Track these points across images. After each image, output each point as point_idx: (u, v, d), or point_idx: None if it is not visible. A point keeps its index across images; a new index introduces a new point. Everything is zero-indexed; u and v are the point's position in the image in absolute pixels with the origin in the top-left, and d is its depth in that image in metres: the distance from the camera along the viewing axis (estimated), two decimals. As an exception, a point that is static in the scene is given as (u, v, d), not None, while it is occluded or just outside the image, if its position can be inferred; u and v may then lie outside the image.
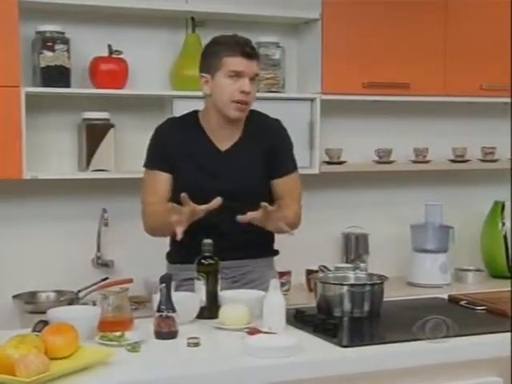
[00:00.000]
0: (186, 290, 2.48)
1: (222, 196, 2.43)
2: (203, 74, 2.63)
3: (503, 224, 3.91)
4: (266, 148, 2.65)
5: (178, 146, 2.64)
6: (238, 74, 2.55)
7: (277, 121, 2.75)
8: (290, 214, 2.57)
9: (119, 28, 3.43)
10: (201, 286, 2.40)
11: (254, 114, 2.69)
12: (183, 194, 2.38)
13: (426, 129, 3.98)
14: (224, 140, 2.65)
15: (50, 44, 3.21)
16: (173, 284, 2.27)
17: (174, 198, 2.52)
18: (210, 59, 2.60)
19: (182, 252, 2.65)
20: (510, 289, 2.83)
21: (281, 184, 2.67)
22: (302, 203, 2.72)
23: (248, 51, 2.55)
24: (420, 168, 3.90)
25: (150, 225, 2.65)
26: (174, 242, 2.68)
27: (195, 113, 2.72)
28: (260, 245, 2.70)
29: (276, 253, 2.80)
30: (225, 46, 2.58)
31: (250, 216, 2.44)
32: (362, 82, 3.56)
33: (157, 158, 2.67)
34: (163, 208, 2.51)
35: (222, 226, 2.56)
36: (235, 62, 2.54)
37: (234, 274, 2.65)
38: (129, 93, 3.38)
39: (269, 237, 2.72)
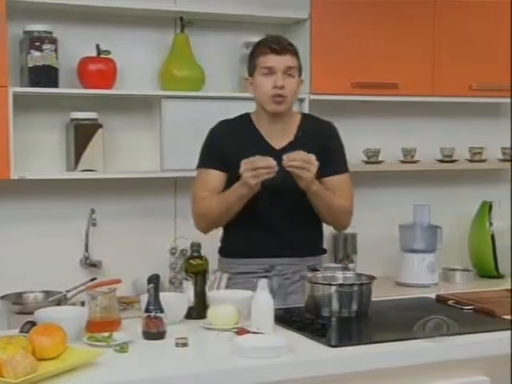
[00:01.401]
0: (239, 284, 2.56)
1: (276, 193, 2.56)
2: (247, 77, 2.75)
3: (491, 224, 3.93)
4: (320, 148, 2.67)
5: (233, 146, 2.69)
6: (270, 70, 2.64)
7: (329, 122, 2.83)
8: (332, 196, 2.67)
9: (107, 28, 3.42)
10: (189, 286, 2.40)
11: (307, 117, 2.82)
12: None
13: (414, 129, 3.99)
14: (278, 139, 2.72)
15: (37, 44, 3.20)
16: (224, 277, 2.48)
17: None
18: (249, 62, 2.74)
19: (236, 246, 2.74)
20: (497, 288, 2.85)
21: (332, 182, 2.72)
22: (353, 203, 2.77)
23: (275, 47, 2.63)
24: (408, 168, 3.91)
25: (208, 216, 2.69)
26: (227, 236, 2.79)
27: (247, 114, 2.79)
28: (310, 243, 2.77)
29: (325, 251, 2.86)
30: (257, 46, 2.71)
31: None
32: (350, 82, 3.57)
33: (211, 157, 2.73)
34: (221, 195, 2.64)
35: (276, 223, 2.66)
36: (265, 59, 2.65)
37: (286, 272, 2.71)
38: (117, 93, 3.37)
39: (318, 235, 2.80)
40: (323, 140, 2.73)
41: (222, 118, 2.80)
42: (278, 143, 2.71)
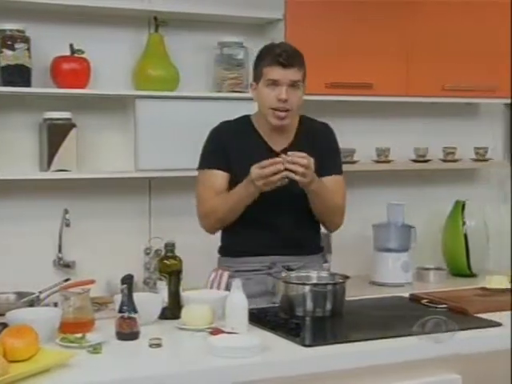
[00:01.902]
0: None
1: (277, 193, 2.57)
2: (252, 82, 2.76)
3: (464, 223, 3.96)
4: (317, 149, 2.70)
5: (234, 147, 2.71)
6: (274, 83, 2.64)
7: (325, 124, 2.86)
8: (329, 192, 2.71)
9: (81, 27, 3.41)
10: (163, 287, 2.39)
11: (304, 119, 2.82)
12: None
13: (388, 129, 4.02)
14: (278, 141, 2.73)
15: (10, 43, 3.18)
16: (226, 274, 2.57)
17: None
18: (255, 68, 2.74)
19: (236, 245, 2.76)
20: (470, 287, 2.88)
21: (327, 182, 2.74)
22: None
23: (282, 61, 2.63)
24: (382, 168, 3.93)
25: (214, 216, 2.70)
26: (228, 236, 2.80)
27: (247, 116, 2.80)
28: (310, 241, 2.81)
29: (322, 249, 2.92)
30: (264, 55, 2.70)
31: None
32: (324, 82, 3.58)
33: (214, 157, 2.73)
34: (226, 193, 2.66)
35: (277, 221, 2.69)
36: (271, 72, 2.64)
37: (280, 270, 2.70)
38: (91, 92, 3.36)
39: (317, 233, 2.85)
40: (321, 141, 2.76)
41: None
42: (278, 145, 2.74)
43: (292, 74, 2.64)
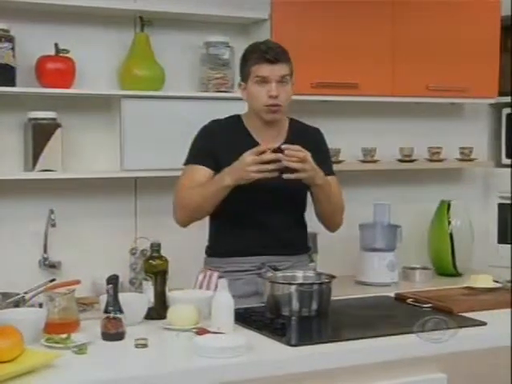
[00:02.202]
0: (231, 282, 2.48)
1: (267, 193, 2.59)
2: (240, 82, 2.75)
3: (449, 223, 3.98)
4: (309, 151, 2.67)
5: (224, 145, 2.69)
6: (264, 80, 2.64)
7: (317, 128, 2.88)
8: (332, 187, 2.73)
9: (66, 26, 3.39)
10: (149, 287, 2.38)
11: (294, 121, 2.83)
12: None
13: (373, 129, 4.03)
14: (270, 141, 2.70)
15: (-6, 42, 3.16)
16: (215, 275, 2.57)
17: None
18: (242, 68, 2.74)
19: (225, 245, 2.74)
20: (455, 286, 2.89)
21: None
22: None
23: (269, 57, 2.63)
24: (368, 168, 3.94)
25: (188, 207, 2.66)
26: (216, 236, 2.79)
27: (238, 116, 2.79)
28: (298, 240, 2.81)
29: (309, 249, 2.93)
30: (251, 54, 2.69)
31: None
32: (310, 82, 3.58)
33: (201, 154, 2.71)
34: (203, 185, 2.63)
35: (266, 221, 2.68)
36: (260, 69, 2.64)
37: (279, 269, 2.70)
38: (76, 92, 3.34)
39: (305, 233, 2.84)
40: (312, 144, 2.74)
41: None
42: (269, 145, 2.70)
43: (280, 70, 2.65)
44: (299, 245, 2.83)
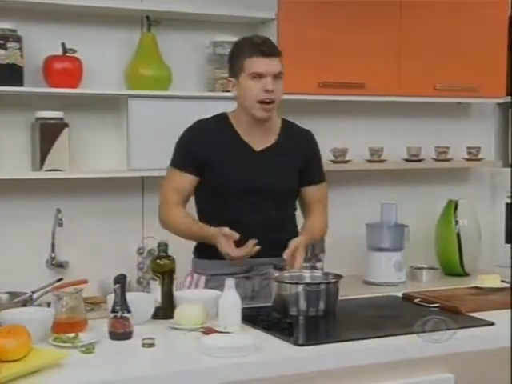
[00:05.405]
0: (216, 285, 2.51)
1: (254, 193, 2.59)
2: (229, 78, 2.68)
3: (457, 222, 3.97)
4: (300, 155, 2.71)
5: (210, 146, 2.66)
6: (259, 75, 2.59)
7: (308, 130, 2.83)
8: (316, 231, 2.78)
9: (73, 26, 3.40)
10: (156, 286, 2.39)
11: (287, 122, 2.78)
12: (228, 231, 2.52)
13: (380, 128, 4.02)
14: (258, 141, 2.69)
15: (1, 42, 3.17)
16: (203, 278, 2.54)
17: (205, 198, 2.67)
18: (232, 63, 2.67)
19: (212, 246, 2.65)
20: (462, 286, 2.88)
21: (313, 191, 2.77)
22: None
23: (266, 51, 2.59)
24: (375, 167, 3.93)
25: (172, 231, 2.71)
26: None
27: (224, 114, 2.74)
28: (285, 243, 2.74)
29: None
30: (244, 48, 2.63)
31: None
32: (317, 81, 3.58)
33: (185, 158, 2.70)
34: (191, 221, 2.66)
35: (255, 224, 2.63)
36: (255, 64, 2.59)
37: (267, 271, 2.68)
38: (83, 92, 3.35)
39: (295, 235, 2.76)
40: (303, 148, 2.74)
41: (198, 118, 2.74)
42: (257, 145, 2.70)
43: (275, 65, 2.61)
44: (285, 247, 2.72)
